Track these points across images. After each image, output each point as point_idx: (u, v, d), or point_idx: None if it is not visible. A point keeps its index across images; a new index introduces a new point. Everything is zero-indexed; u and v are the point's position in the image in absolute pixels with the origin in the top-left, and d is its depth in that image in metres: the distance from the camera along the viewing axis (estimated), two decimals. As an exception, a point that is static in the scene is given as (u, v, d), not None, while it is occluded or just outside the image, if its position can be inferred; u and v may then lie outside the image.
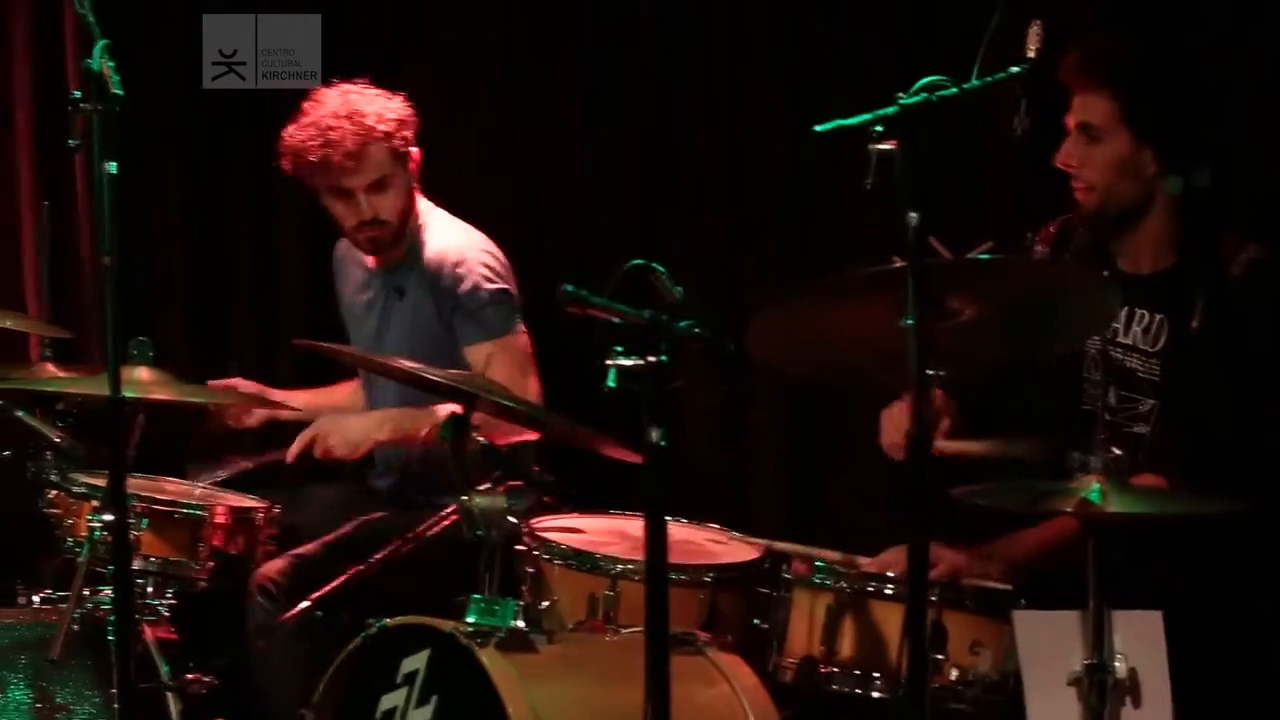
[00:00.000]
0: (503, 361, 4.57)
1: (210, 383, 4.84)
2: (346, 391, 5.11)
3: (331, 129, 4.67)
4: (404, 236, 4.78)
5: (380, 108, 4.72)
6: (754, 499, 5.09)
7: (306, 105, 4.76)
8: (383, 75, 4.94)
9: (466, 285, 4.70)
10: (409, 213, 4.77)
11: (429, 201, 4.87)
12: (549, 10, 5.42)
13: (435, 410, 4.40)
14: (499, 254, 4.81)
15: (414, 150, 4.76)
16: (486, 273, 4.73)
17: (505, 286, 4.75)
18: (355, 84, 4.80)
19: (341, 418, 4.76)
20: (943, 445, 3.79)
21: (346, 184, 4.69)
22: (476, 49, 5.52)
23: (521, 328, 4.75)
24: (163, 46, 5.73)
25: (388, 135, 4.68)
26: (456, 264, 4.72)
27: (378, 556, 3.97)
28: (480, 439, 3.84)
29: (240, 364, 5.41)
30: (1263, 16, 4.29)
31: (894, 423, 3.83)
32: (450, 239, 4.79)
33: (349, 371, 5.16)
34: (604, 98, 5.36)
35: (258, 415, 4.96)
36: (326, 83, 4.89)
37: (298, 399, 4.99)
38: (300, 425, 4.72)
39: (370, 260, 4.89)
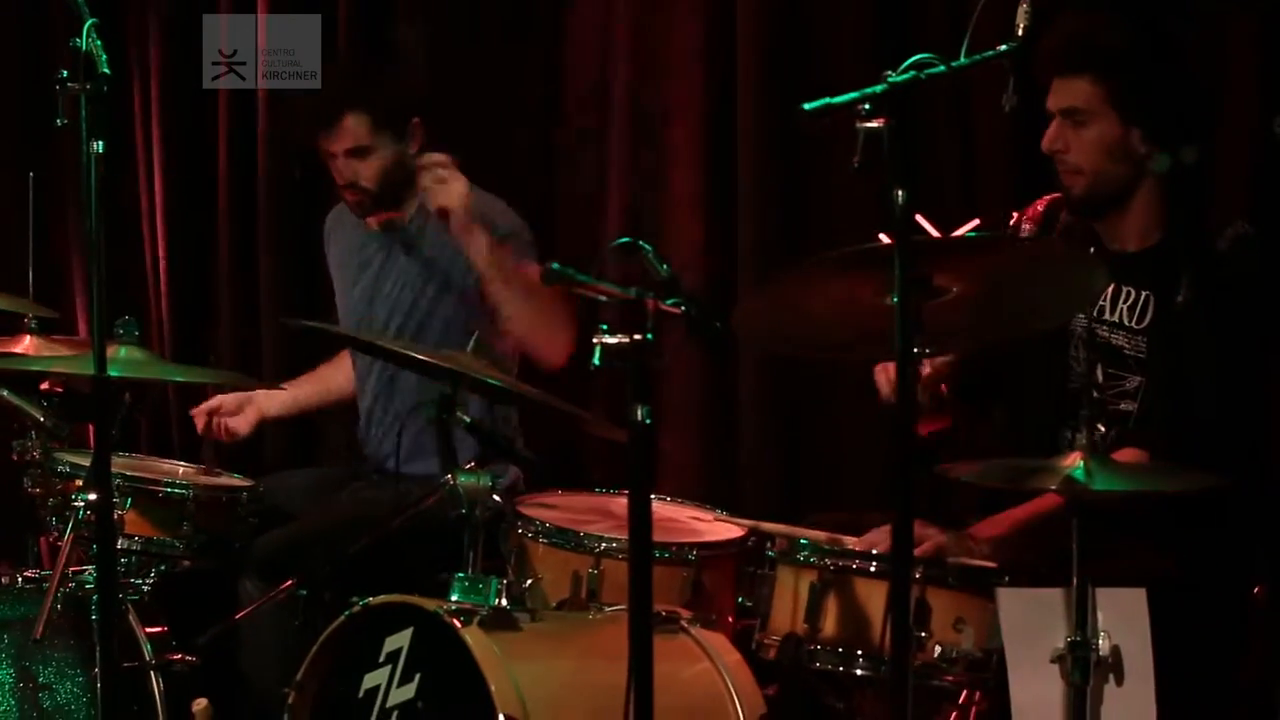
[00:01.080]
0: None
1: (194, 410, 4.84)
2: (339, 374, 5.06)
3: (316, 94, 4.77)
4: (400, 204, 4.74)
5: (366, 78, 4.73)
6: (740, 479, 5.07)
7: None
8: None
9: (490, 215, 4.57)
10: (397, 181, 4.71)
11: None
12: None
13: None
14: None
15: (414, 121, 4.71)
16: (509, 211, 4.68)
17: (527, 226, 4.69)
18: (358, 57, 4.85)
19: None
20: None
21: (327, 148, 4.69)
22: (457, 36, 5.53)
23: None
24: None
25: (367, 106, 4.66)
26: (478, 203, 4.56)
27: (363, 538, 3.96)
28: (464, 417, 3.83)
29: (215, 357, 5.43)
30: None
31: (888, 375, 3.80)
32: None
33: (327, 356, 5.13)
34: (587, 80, 5.36)
35: (247, 420, 4.90)
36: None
37: (283, 394, 4.95)
38: (295, 423, 4.68)
39: (370, 221, 4.87)
